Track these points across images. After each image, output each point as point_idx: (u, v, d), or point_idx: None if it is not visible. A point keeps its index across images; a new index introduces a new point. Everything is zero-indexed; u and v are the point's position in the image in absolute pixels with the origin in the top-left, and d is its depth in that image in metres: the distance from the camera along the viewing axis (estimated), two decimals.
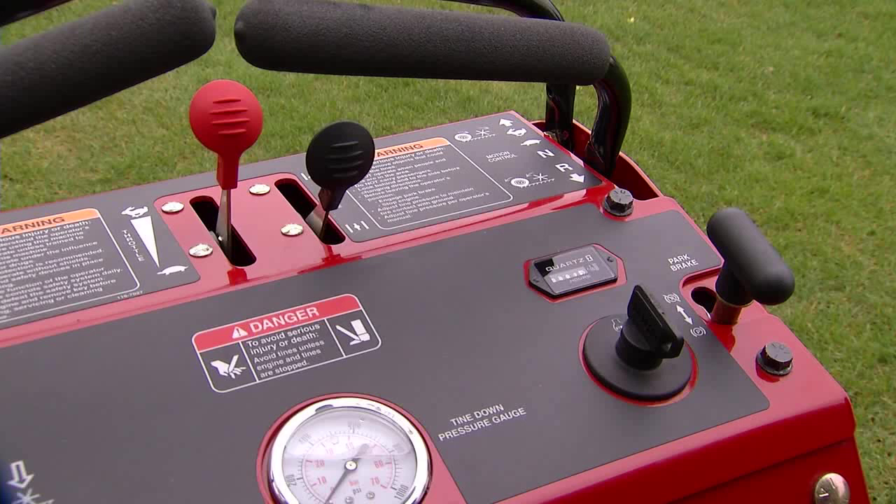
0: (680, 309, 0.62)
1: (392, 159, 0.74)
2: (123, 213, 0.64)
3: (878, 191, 2.42)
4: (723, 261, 0.60)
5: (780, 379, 0.59)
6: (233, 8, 2.95)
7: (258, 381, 0.52)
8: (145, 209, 0.64)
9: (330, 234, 0.64)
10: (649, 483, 0.53)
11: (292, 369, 0.53)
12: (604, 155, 0.75)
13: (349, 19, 0.52)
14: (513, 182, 0.72)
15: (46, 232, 0.62)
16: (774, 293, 0.56)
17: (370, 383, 0.53)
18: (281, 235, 0.64)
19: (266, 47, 0.51)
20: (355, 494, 0.48)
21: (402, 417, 0.51)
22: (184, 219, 0.64)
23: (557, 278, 0.62)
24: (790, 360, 0.59)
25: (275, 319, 0.56)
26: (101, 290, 0.57)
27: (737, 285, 0.59)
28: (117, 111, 2.59)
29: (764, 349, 0.59)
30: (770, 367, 0.59)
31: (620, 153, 0.76)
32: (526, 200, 0.70)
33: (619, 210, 0.68)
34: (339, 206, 0.66)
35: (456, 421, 0.52)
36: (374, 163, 0.60)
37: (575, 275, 0.62)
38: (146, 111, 2.61)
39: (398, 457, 0.50)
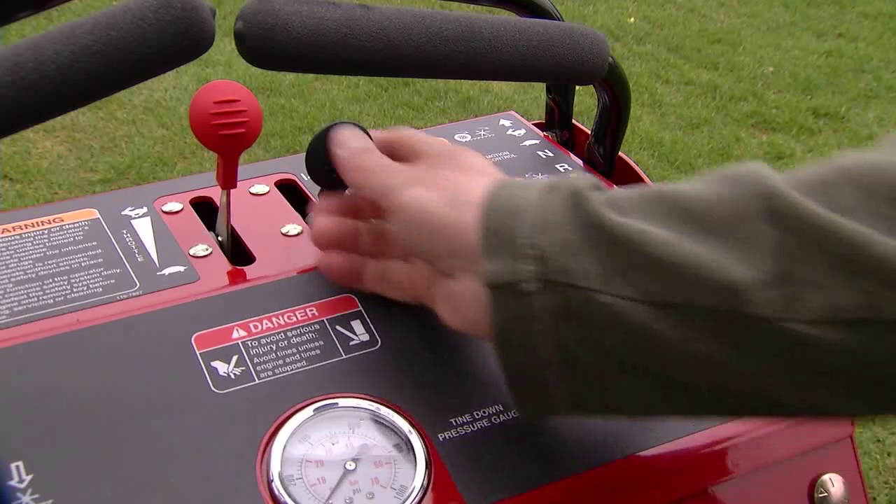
0: None
1: None
2: (123, 213, 0.64)
3: None
4: None
5: None
6: (233, 8, 2.96)
7: (258, 382, 0.52)
8: (145, 209, 0.64)
9: None
10: (648, 483, 0.53)
11: (292, 369, 0.53)
12: (604, 155, 0.75)
13: (349, 19, 0.52)
14: None
15: (46, 232, 0.62)
16: None
17: (370, 383, 0.53)
18: (281, 235, 0.64)
19: (266, 47, 0.51)
20: (355, 494, 0.48)
21: (402, 417, 0.51)
22: (183, 219, 0.64)
23: None
24: None
25: (274, 319, 0.56)
26: (100, 290, 0.57)
27: None
28: (117, 111, 2.59)
29: None
30: None
31: (620, 153, 0.76)
32: None
33: None
34: None
35: (455, 421, 0.52)
36: None
37: None
38: (146, 111, 2.61)
39: (398, 457, 0.50)
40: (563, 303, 0.42)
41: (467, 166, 0.52)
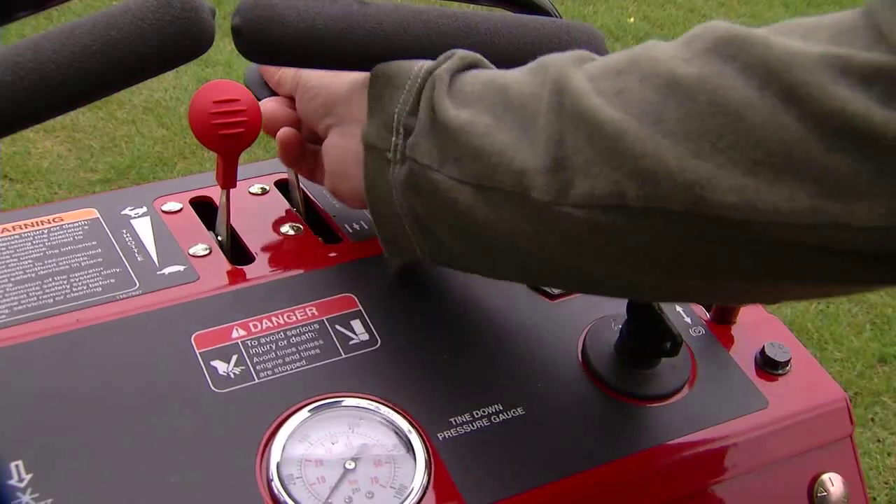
0: (679, 308, 0.62)
1: None
2: (123, 212, 0.64)
3: None
4: None
5: (779, 378, 0.59)
6: (233, 8, 2.95)
7: (257, 381, 0.52)
8: (144, 209, 0.64)
9: (329, 235, 0.64)
10: (648, 483, 0.53)
11: (291, 369, 0.53)
12: None
13: (345, 14, 0.52)
14: None
15: (46, 232, 0.62)
16: None
17: (369, 383, 0.53)
18: (280, 235, 0.64)
19: (262, 42, 0.51)
20: (354, 494, 0.48)
21: (401, 417, 0.51)
22: (183, 219, 0.64)
23: None
24: (789, 360, 0.59)
25: (274, 319, 0.56)
26: (100, 289, 0.57)
27: None
28: (117, 111, 2.59)
29: (763, 349, 0.59)
30: (769, 367, 0.59)
31: None
32: None
33: None
34: (339, 206, 0.66)
35: (455, 420, 0.52)
36: None
37: None
38: (146, 111, 2.61)
39: (397, 456, 0.50)
40: (410, 175, 0.49)
41: None
